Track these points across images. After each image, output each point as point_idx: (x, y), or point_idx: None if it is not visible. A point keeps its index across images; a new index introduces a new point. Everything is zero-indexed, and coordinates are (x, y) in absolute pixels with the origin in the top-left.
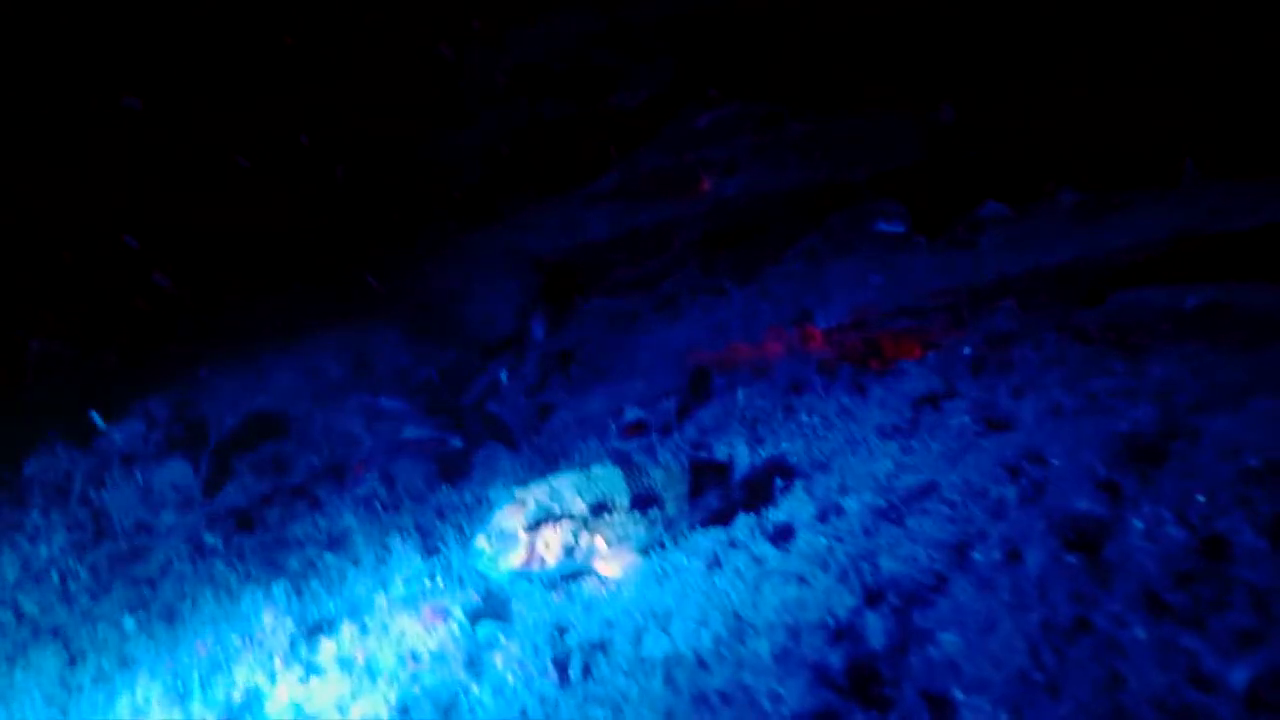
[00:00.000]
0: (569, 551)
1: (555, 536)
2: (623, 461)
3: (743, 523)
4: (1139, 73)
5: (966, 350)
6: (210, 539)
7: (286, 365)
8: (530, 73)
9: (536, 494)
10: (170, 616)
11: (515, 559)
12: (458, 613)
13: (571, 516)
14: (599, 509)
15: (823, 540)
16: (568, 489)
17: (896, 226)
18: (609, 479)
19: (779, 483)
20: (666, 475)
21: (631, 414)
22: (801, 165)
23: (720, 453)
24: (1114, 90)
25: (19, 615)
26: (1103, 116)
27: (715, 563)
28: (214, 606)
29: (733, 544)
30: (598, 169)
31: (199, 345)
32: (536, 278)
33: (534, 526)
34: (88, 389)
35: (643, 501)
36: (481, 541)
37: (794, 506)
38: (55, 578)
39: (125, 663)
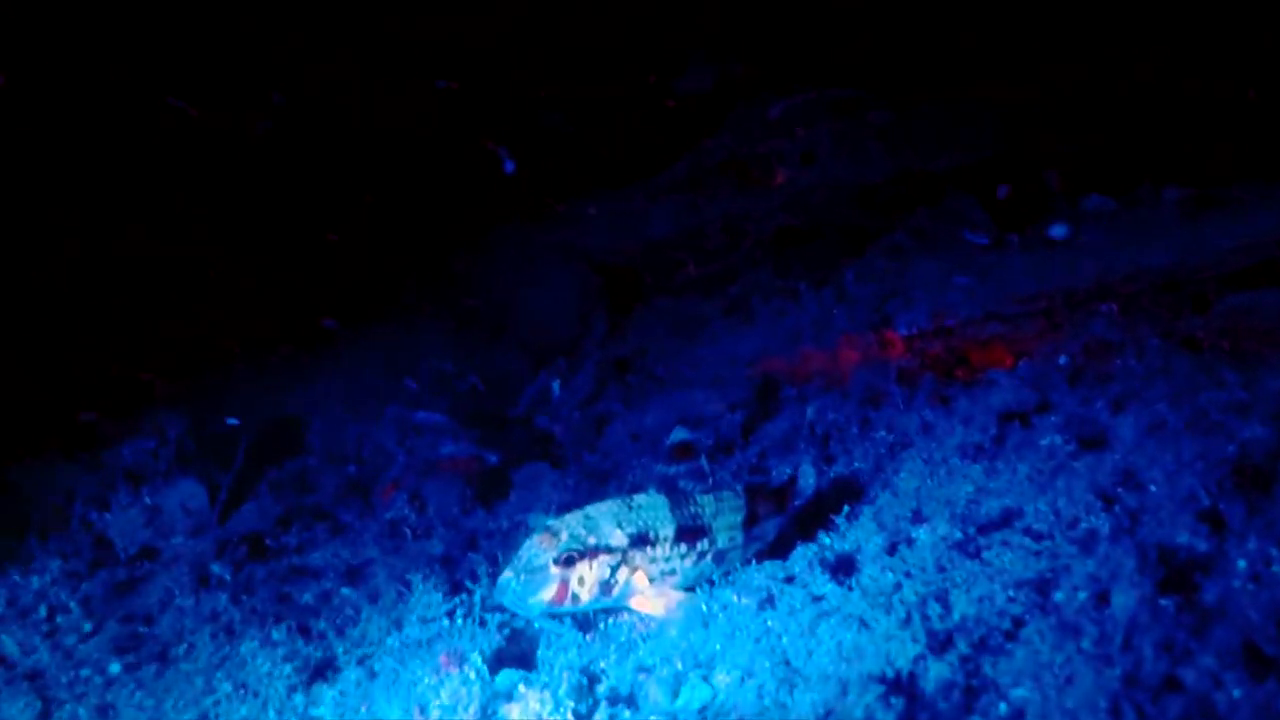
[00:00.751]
0: (605, 588)
1: (590, 571)
2: (668, 488)
3: (801, 555)
4: (1247, 58)
5: (1062, 359)
6: (217, 569)
7: (319, 371)
8: (587, 56)
9: (570, 524)
10: (162, 659)
11: (545, 596)
12: (476, 658)
13: (609, 549)
14: (640, 541)
15: (890, 577)
16: (605, 519)
17: (981, 238)
18: (652, 508)
19: (846, 509)
20: (716, 503)
21: (678, 434)
22: (883, 156)
23: (781, 476)
24: (1221, 77)
25: (3, 661)
26: (1209, 105)
27: (768, 601)
28: (211, 648)
29: (789, 579)
30: (662, 160)
31: (222, 350)
32: (594, 278)
33: (567, 560)
34: (95, 398)
35: (689, 533)
36: (508, 576)
37: (861, 536)
38: (43, 612)
39: (103, 713)
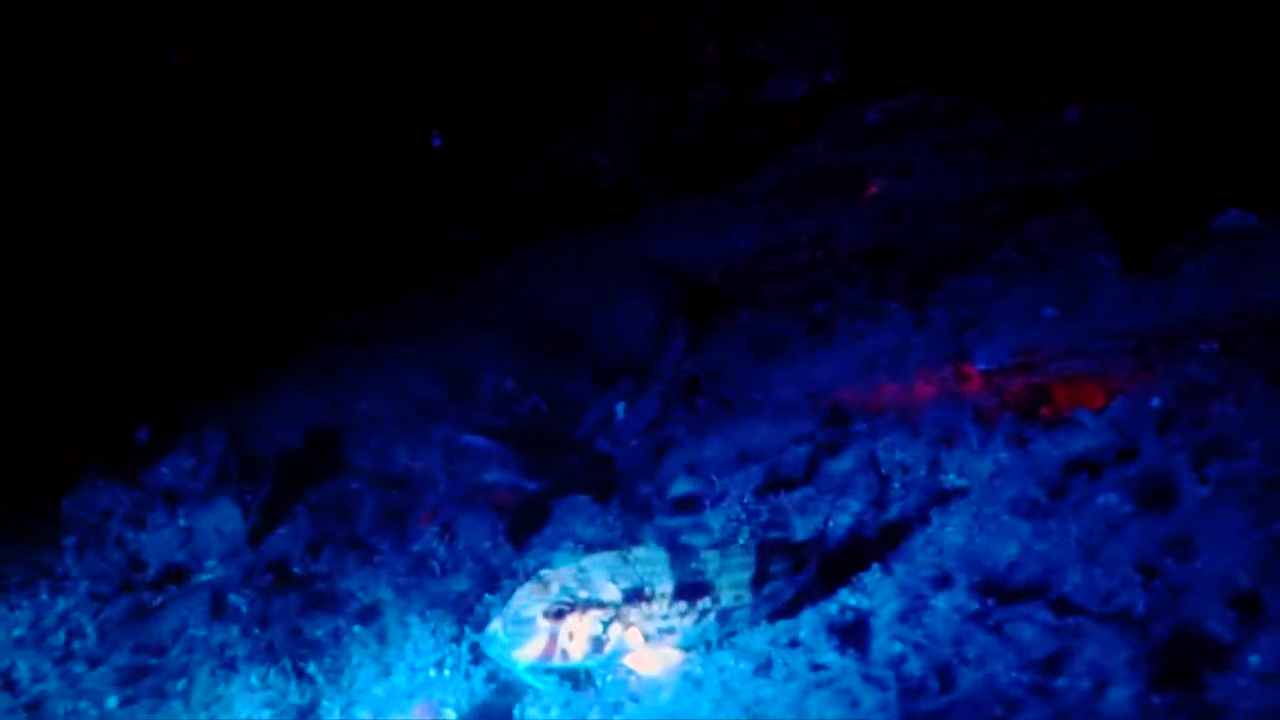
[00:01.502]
0: (596, 644)
1: (581, 626)
2: (670, 542)
3: (814, 615)
4: None
5: (1155, 401)
6: (235, 598)
7: (371, 384)
8: (670, 55)
9: (563, 575)
10: (159, 694)
11: (532, 649)
12: (450, 714)
13: (602, 604)
14: (635, 596)
15: (898, 647)
16: (599, 571)
17: (1105, 258)
18: (650, 562)
19: (877, 566)
20: (722, 559)
21: (681, 487)
22: (987, 168)
23: (810, 527)
24: None
25: (8, 682)
26: None
27: (765, 667)
28: (207, 685)
29: (793, 644)
30: (749, 167)
31: (269, 359)
32: (674, 292)
33: (557, 613)
34: (138, 415)
35: (690, 590)
36: (496, 626)
37: (884, 597)
38: (62, 637)
39: None
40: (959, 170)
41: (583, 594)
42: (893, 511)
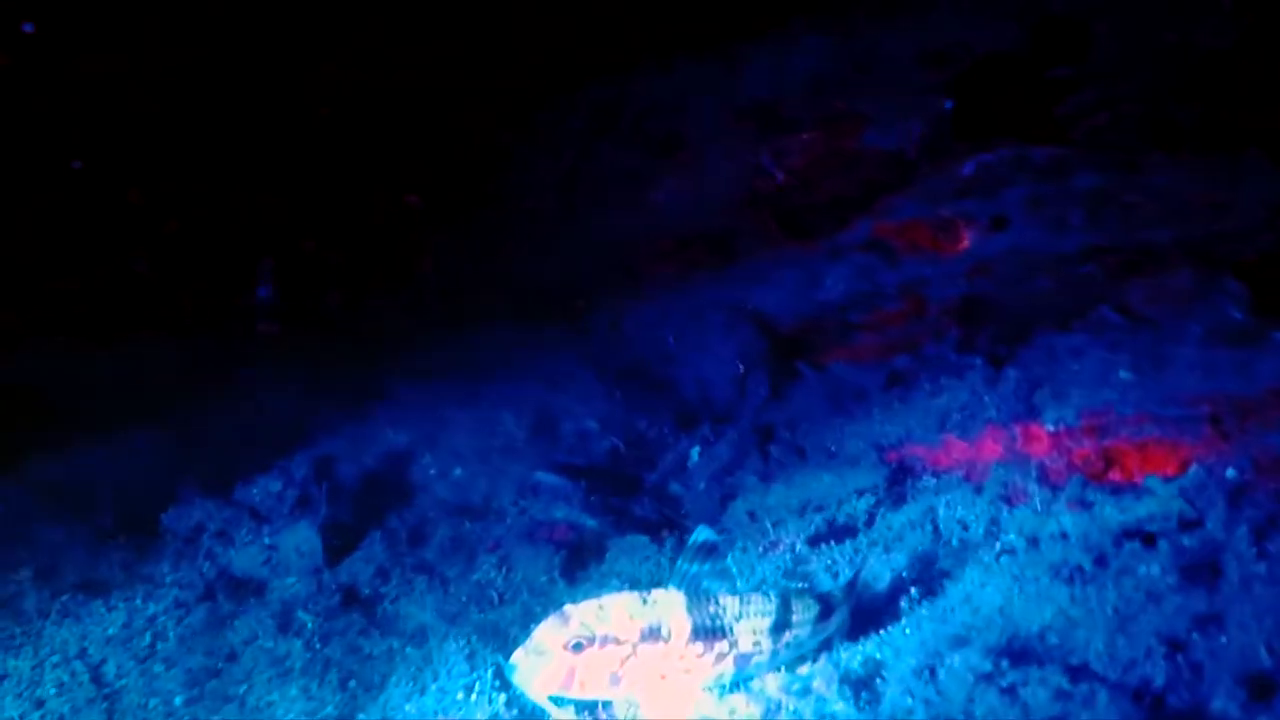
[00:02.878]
0: (612, 681)
1: (598, 661)
2: (689, 586)
3: (831, 664)
4: None
5: (1230, 473)
6: (303, 614)
7: (463, 420)
8: (763, 107)
9: (583, 611)
10: (220, 698)
11: (550, 680)
12: None
13: (618, 641)
14: (651, 636)
15: (908, 701)
16: (618, 610)
17: (1237, 314)
18: (667, 604)
19: (904, 621)
20: (741, 605)
21: (702, 534)
22: (1085, 225)
23: (828, 582)
24: None
25: (95, 677)
26: None
27: (774, 711)
28: (262, 692)
29: (805, 691)
30: (842, 217)
31: (365, 392)
32: (760, 340)
33: (575, 647)
34: (232, 439)
35: (706, 634)
36: (518, 657)
37: (904, 653)
38: (147, 639)
39: None
40: (1055, 226)
41: (601, 630)
42: (938, 568)
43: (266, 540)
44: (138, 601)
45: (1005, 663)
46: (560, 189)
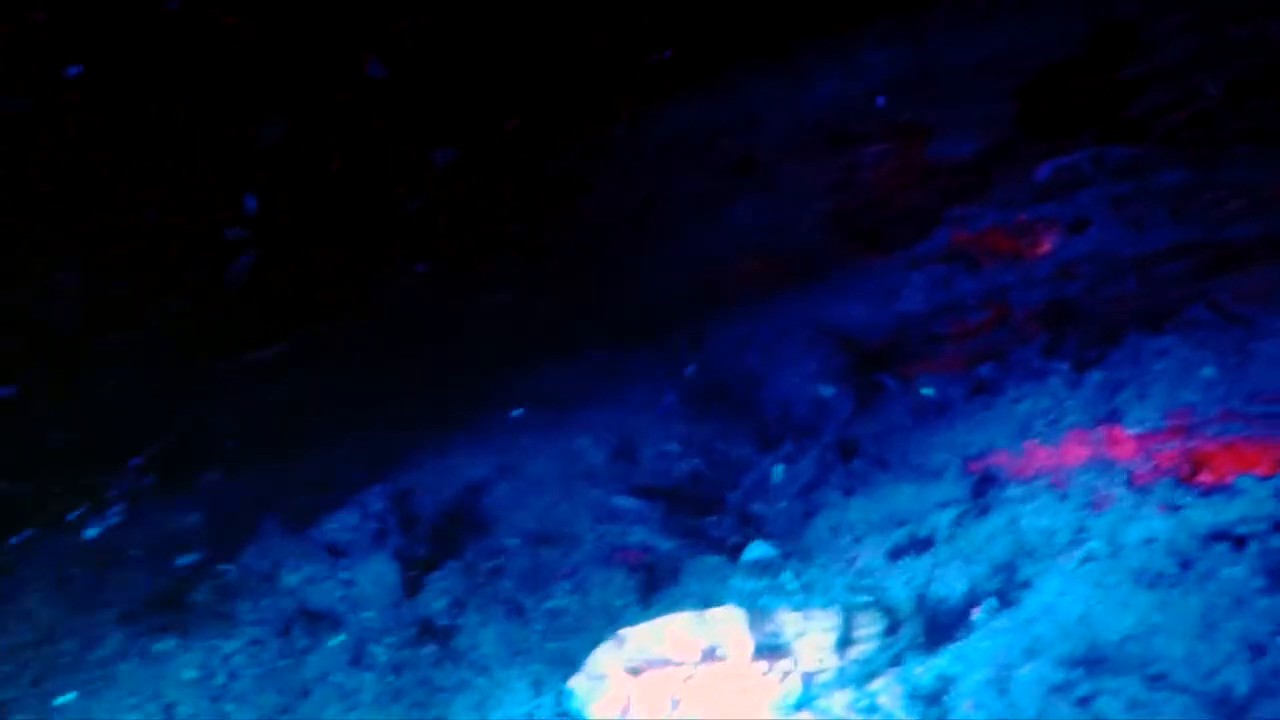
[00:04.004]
0: (672, 704)
1: (656, 685)
2: (748, 603)
3: (900, 679)
4: None
5: None
6: (376, 649)
7: (544, 446)
8: (833, 118)
9: (640, 634)
10: None
11: (608, 705)
12: None
13: (677, 663)
14: (711, 656)
15: (978, 716)
16: (675, 630)
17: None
18: (727, 622)
19: (979, 634)
20: (804, 621)
21: (756, 550)
22: (1171, 223)
23: (900, 594)
24: None
25: (170, 717)
26: None
27: None
28: None
29: (872, 708)
30: (920, 228)
31: (442, 422)
32: (842, 355)
33: (634, 670)
34: (309, 473)
35: (768, 652)
36: (576, 682)
37: (976, 665)
38: (221, 678)
39: None
40: (1137, 226)
41: (659, 652)
42: (1018, 578)
43: (343, 575)
44: (216, 641)
45: (1080, 672)
46: (639, 213)
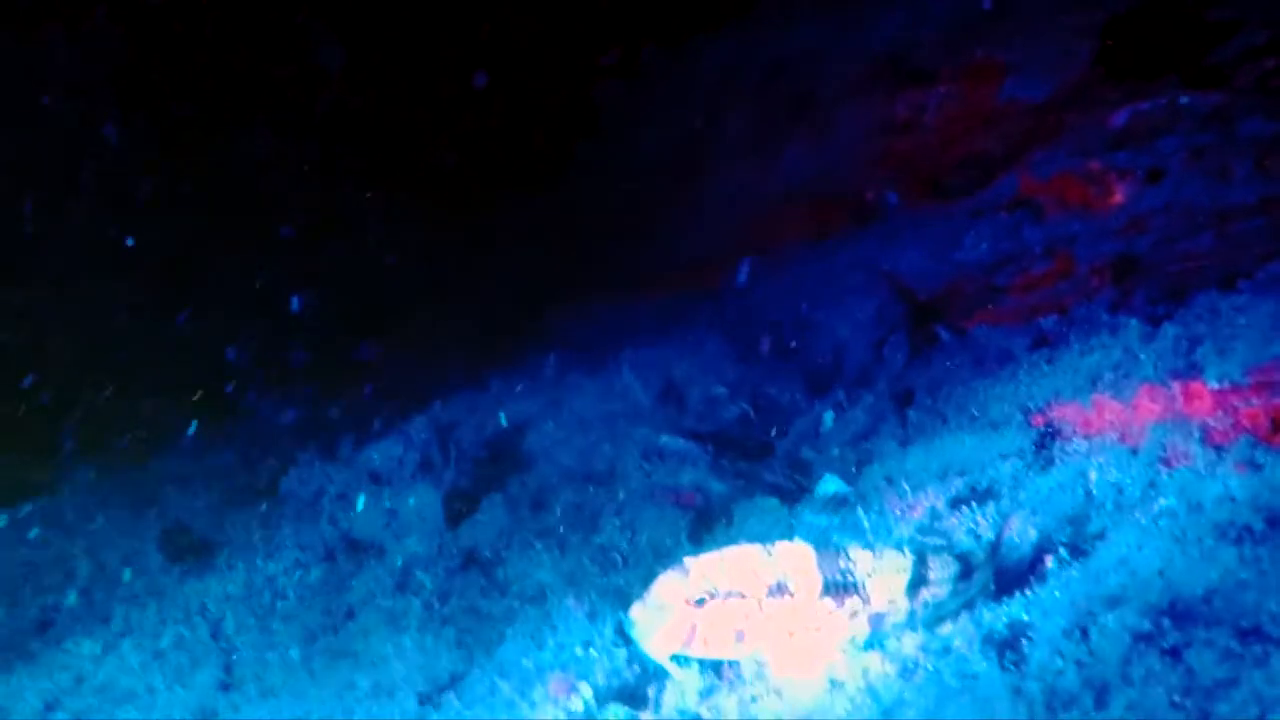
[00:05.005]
0: (738, 637)
1: (721, 618)
2: (817, 539)
3: (970, 627)
4: None
5: None
6: (422, 575)
7: (589, 385)
8: (895, 60)
9: (705, 565)
10: (337, 654)
11: (671, 636)
12: (586, 690)
13: (743, 596)
14: (779, 591)
15: (1059, 663)
16: (742, 563)
17: None
18: (795, 558)
19: (1053, 584)
20: (874, 561)
21: (830, 485)
22: (1253, 176)
23: (979, 539)
24: None
25: (214, 632)
26: None
27: (911, 671)
28: (379, 647)
29: (945, 651)
30: (985, 174)
31: (490, 358)
32: (897, 303)
33: (698, 602)
34: (356, 404)
35: (837, 590)
36: (637, 612)
37: (1052, 613)
38: (266, 598)
39: (266, 692)
40: (1218, 178)
41: (725, 585)
42: (1090, 530)
43: (387, 504)
44: (259, 562)
45: (1166, 623)
46: (689, 151)
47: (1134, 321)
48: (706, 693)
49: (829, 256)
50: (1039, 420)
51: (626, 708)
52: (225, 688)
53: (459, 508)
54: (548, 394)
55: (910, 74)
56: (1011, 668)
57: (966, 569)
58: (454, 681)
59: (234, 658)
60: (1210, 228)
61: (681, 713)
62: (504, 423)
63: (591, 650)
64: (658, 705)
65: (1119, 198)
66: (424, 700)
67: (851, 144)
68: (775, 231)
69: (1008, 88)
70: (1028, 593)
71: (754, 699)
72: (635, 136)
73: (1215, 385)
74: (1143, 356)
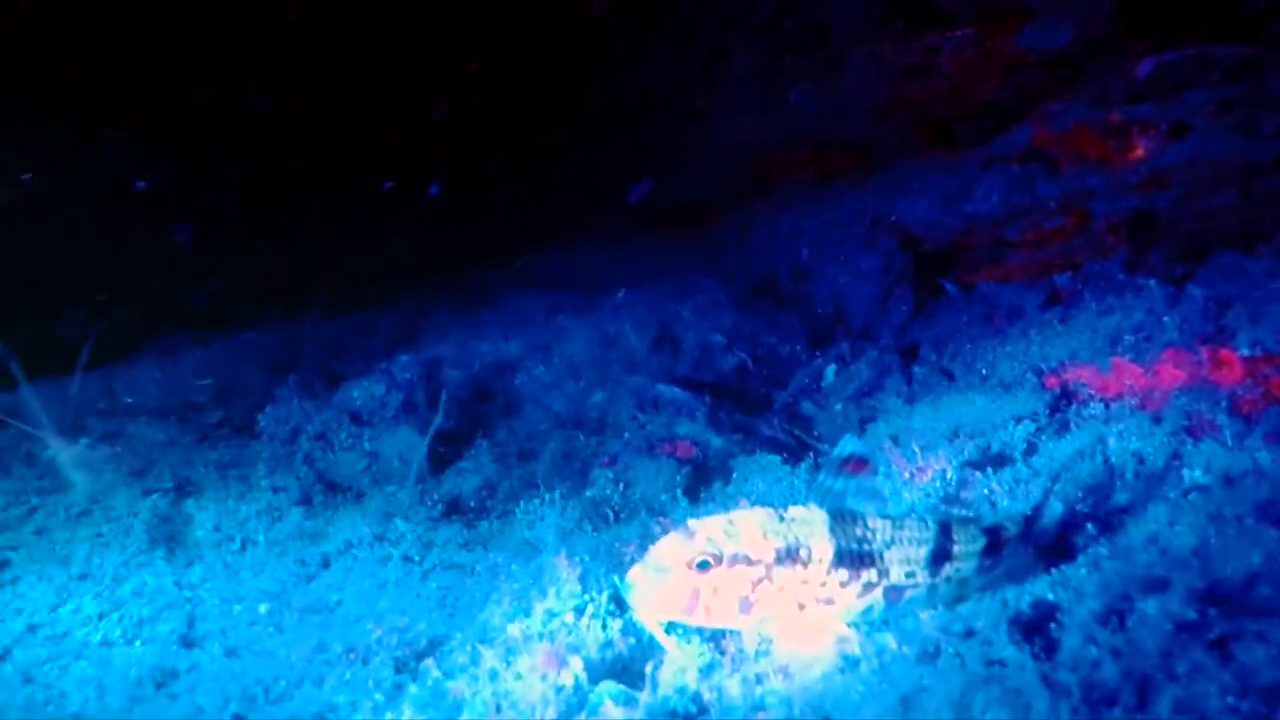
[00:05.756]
0: (742, 606)
1: (727, 583)
2: (833, 504)
3: (995, 606)
4: None
5: None
6: (403, 525)
7: (581, 330)
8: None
9: (710, 526)
10: (308, 610)
11: (672, 602)
12: (577, 663)
13: (751, 561)
14: (789, 558)
15: (1093, 652)
16: (751, 526)
17: None
18: (808, 523)
19: (1081, 561)
20: (894, 530)
21: (849, 445)
22: None
23: (1002, 510)
24: None
25: (179, 583)
26: None
27: (933, 655)
28: (354, 605)
29: (969, 633)
30: (1000, 123)
31: (478, 298)
32: (903, 254)
33: (701, 566)
34: (340, 340)
35: (852, 559)
36: (635, 575)
37: (1085, 595)
38: (236, 544)
39: (231, 652)
40: (1245, 133)
41: (730, 549)
42: (1115, 503)
43: (367, 445)
44: (230, 503)
45: (1215, 612)
46: (691, 91)
47: (1153, 282)
48: (707, 670)
49: (833, 204)
50: (1053, 382)
51: (620, 685)
52: (187, 644)
53: (443, 452)
54: (538, 337)
55: (927, 15)
56: (1042, 655)
57: (994, 543)
58: (433, 647)
59: (197, 610)
60: (1234, 184)
61: (680, 691)
62: (494, 365)
63: (583, 618)
64: (654, 683)
65: (1140, 152)
66: (400, 667)
67: (861, 87)
68: (778, 175)
69: (1027, 34)
70: (1054, 571)
71: (759, 678)
72: (636, 73)
73: (1247, 352)
74: (1167, 319)
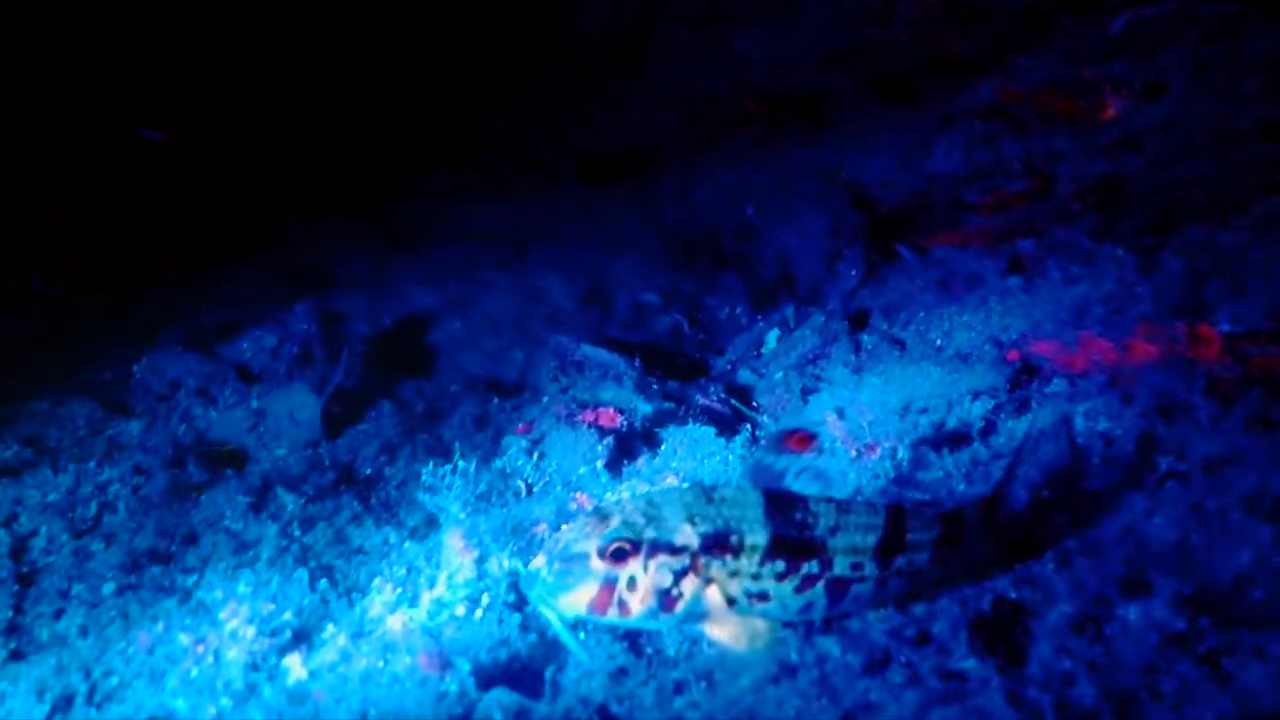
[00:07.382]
0: (663, 599)
1: (646, 574)
2: (769, 482)
3: (953, 608)
4: None
5: None
6: (285, 494)
7: (503, 283)
8: None
9: (628, 509)
10: (160, 589)
11: (581, 597)
12: (465, 666)
13: (673, 548)
14: (717, 544)
15: (1065, 663)
16: (674, 508)
17: None
18: (740, 505)
19: (1051, 556)
20: (838, 514)
21: (790, 420)
22: (1263, 96)
23: (959, 496)
24: None
25: (20, 548)
26: None
27: (881, 663)
28: (214, 585)
29: (923, 638)
30: (962, 77)
31: (387, 242)
32: (855, 213)
33: (615, 554)
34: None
35: (791, 547)
36: (540, 564)
37: (1055, 596)
38: (93, 509)
39: (53, 642)
40: (1223, 97)
41: (650, 533)
42: (1084, 490)
43: (254, 404)
44: (91, 465)
45: (1205, 621)
46: (628, 34)
47: (1121, 251)
48: (618, 676)
49: (780, 157)
50: (1013, 355)
51: (514, 693)
52: (10, 629)
53: (340, 413)
54: (455, 289)
55: None
56: (1008, 669)
57: (953, 531)
58: (297, 641)
59: (30, 589)
60: (1209, 151)
61: (584, 702)
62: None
63: (477, 610)
64: (555, 691)
65: (1111, 112)
66: (257, 667)
67: (815, 31)
68: (722, 127)
69: None
70: (1019, 567)
71: (678, 687)
72: (572, 14)
73: (1227, 328)
74: (1139, 290)
